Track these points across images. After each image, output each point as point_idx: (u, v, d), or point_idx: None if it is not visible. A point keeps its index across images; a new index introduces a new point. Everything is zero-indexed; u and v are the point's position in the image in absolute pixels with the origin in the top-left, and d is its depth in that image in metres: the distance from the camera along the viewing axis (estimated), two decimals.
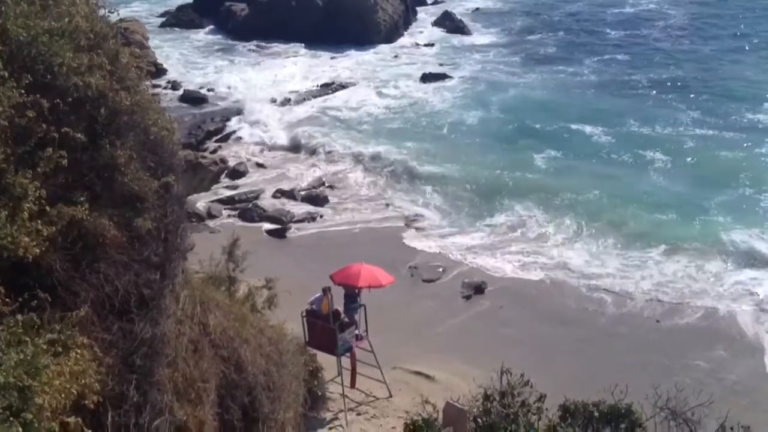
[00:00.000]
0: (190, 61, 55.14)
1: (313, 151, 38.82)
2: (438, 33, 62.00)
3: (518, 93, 47.40)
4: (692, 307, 25.86)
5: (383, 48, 57.23)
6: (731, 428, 12.04)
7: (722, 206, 32.03)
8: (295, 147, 39.46)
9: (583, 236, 30.26)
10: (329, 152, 38.55)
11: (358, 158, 37.70)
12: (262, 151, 39.04)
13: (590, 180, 34.74)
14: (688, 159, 37.38)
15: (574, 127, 41.31)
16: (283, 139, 40.13)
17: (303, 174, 36.42)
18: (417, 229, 31.21)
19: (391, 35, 59.08)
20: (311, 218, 32.15)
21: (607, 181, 34.81)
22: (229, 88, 48.77)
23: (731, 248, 28.93)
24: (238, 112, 43.81)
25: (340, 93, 47.55)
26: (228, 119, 42.92)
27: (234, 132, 41.22)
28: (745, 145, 38.89)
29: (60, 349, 5.67)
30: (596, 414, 12.25)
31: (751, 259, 28.37)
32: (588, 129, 40.93)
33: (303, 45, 57.35)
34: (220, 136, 40.70)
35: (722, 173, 35.41)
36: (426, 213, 32.62)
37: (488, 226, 31.38)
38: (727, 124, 41.65)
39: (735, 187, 34.00)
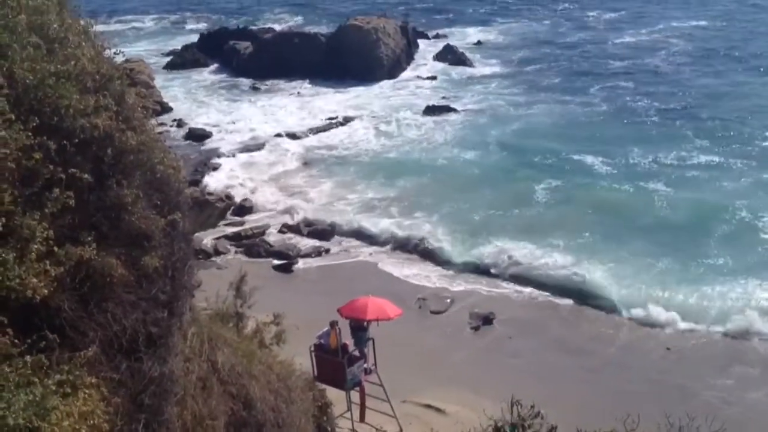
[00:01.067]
0: (195, 99, 55.75)
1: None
2: (440, 66, 62.64)
3: (520, 125, 47.63)
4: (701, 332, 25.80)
5: (386, 83, 57.77)
6: None
7: (722, 241, 31.52)
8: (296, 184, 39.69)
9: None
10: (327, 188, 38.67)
11: (354, 196, 37.59)
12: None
13: (586, 215, 34.36)
14: (690, 189, 37.13)
15: (576, 157, 41.34)
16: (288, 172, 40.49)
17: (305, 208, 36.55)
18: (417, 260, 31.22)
19: (393, 70, 59.64)
20: (317, 253, 32.20)
21: (605, 215, 34.45)
22: (232, 122, 49.26)
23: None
24: (249, 148, 44.31)
25: (343, 129, 47.94)
26: (235, 155, 43.29)
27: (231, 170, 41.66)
28: (747, 171, 38.85)
29: (69, 390, 5.67)
30: None
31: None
32: (589, 159, 40.92)
33: (307, 81, 58.01)
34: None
35: (723, 203, 35.09)
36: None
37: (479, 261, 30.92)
38: (732, 151, 41.62)
39: (731, 217, 33.60)
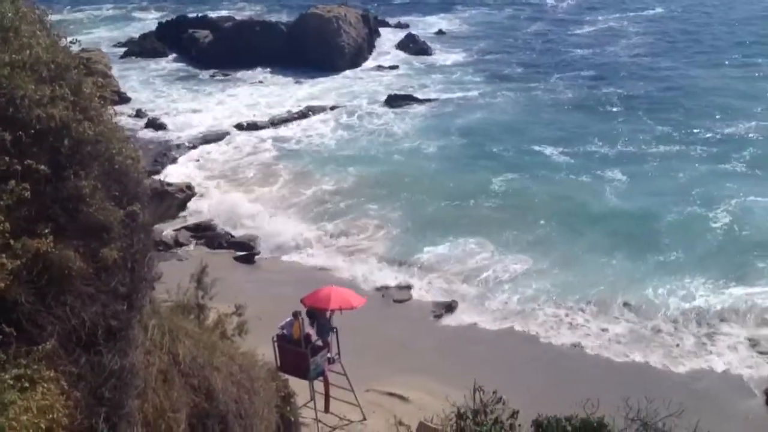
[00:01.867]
0: (154, 89, 55.01)
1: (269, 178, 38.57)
2: (402, 55, 62.64)
3: (482, 114, 47.86)
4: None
5: (348, 73, 57.58)
6: None
7: (673, 233, 31.72)
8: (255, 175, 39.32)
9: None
10: (289, 181, 38.33)
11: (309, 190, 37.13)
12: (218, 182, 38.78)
13: (541, 208, 34.40)
14: (647, 178, 37.60)
15: (536, 148, 41.60)
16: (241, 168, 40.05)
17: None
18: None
19: (355, 59, 59.47)
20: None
21: (562, 202, 34.81)
22: (192, 111, 48.77)
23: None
24: (208, 139, 43.89)
25: (303, 120, 47.63)
26: (195, 147, 42.87)
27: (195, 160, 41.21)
28: (705, 159, 39.50)
29: (27, 384, 5.59)
30: (569, 428, 12.30)
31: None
32: (549, 150, 41.21)
33: (268, 71, 57.58)
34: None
35: (678, 191, 35.58)
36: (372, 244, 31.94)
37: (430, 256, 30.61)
38: (691, 140, 42.28)
39: (684, 206, 33.95)
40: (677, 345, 24.48)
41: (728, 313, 25.83)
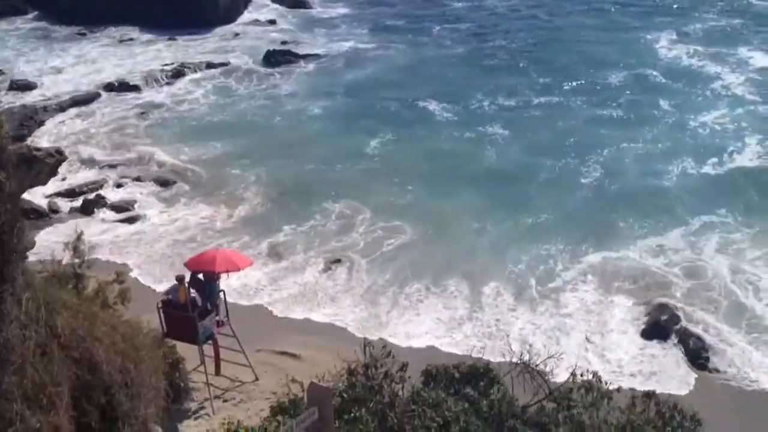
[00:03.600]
0: (15, 48, 51.73)
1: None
2: (280, 9, 61.37)
3: (366, 71, 47.40)
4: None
5: (223, 29, 55.89)
6: (581, 375, 12.89)
7: (545, 190, 31.94)
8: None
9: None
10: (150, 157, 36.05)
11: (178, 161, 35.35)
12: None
13: (421, 167, 34.13)
14: (527, 131, 38.11)
15: (420, 104, 41.57)
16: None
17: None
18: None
19: (230, 13, 57.85)
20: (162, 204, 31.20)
21: (441, 162, 34.60)
22: (59, 72, 46.29)
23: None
24: (77, 101, 41.80)
25: (176, 81, 45.65)
26: (63, 109, 40.75)
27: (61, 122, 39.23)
28: (583, 109, 40.68)
29: None
30: (457, 375, 12.77)
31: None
32: (432, 105, 41.24)
33: (137, 29, 55.04)
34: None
35: (555, 144, 36.32)
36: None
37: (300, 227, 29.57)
38: (571, 90, 43.33)
39: (559, 159, 34.48)
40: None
41: (582, 279, 25.96)
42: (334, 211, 30.37)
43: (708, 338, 22.68)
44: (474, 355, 12.69)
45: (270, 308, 24.37)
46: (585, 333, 23.12)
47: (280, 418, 9.60)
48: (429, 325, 23.38)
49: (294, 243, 28.27)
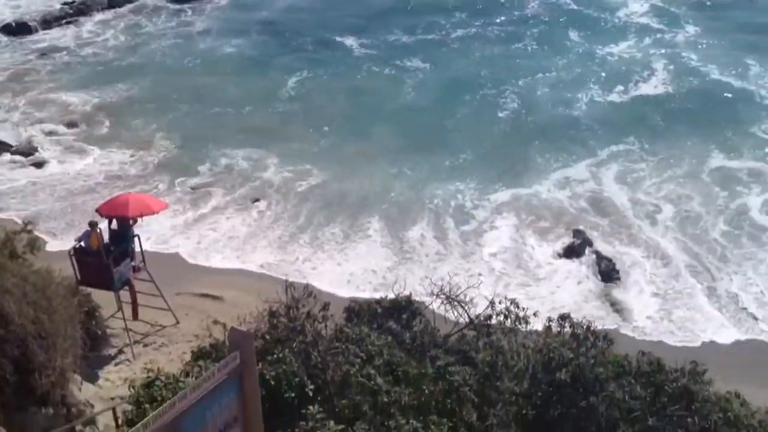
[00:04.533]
0: None
1: None
2: None
3: (282, 2, 45.31)
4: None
5: None
6: (499, 302, 13.26)
7: (464, 124, 31.84)
8: None
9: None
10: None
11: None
12: None
13: (338, 107, 33.30)
14: (446, 64, 37.55)
15: (337, 39, 40.32)
16: None
17: None
18: None
19: None
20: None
21: (359, 100, 33.93)
22: None
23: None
24: None
25: (80, 19, 42.65)
26: None
27: None
28: (500, 40, 40.43)
29: None
30: (379, 310, 12.92)
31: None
32: (350, 41, 40.16)
33: None
34: None
35: (473, 76, 35.88)
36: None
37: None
38: (489, 20, 42.35)
39: (477, 92, 34.29)
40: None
41: (500, 216, 26.32)
42: (247, 155, 29.59)
43: (616, 261, 23.72)
44: (396, 290, 12.80)
45: (187, 253, 23.85)
46: (502, 265, 23.76)
47: (201, 363, 9.54)
48: (348, 273, 23.25)
49: (207, 188, 27.67)
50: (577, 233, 24.85)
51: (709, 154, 29.27)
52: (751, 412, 11.46)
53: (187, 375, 10.21)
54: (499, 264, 23.78)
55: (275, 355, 9.10)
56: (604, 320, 20.58)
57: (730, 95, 33.68)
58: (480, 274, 21.64)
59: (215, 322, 17.71)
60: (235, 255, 23.90)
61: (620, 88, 34.72)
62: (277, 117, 32.66)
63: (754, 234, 25.01)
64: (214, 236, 24.84)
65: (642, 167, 28.66)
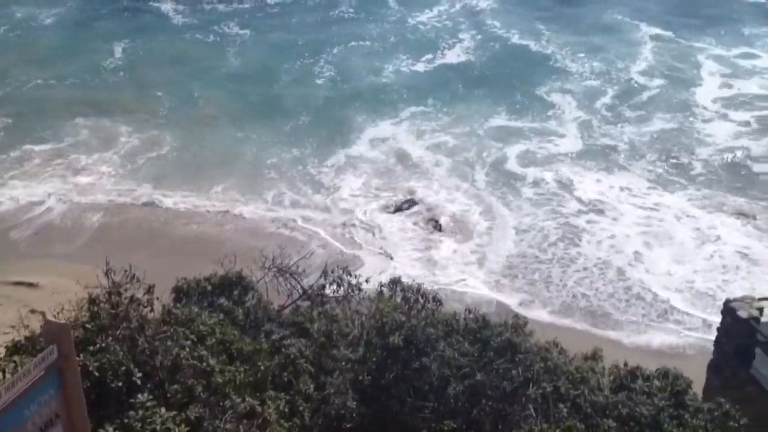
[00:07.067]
0: None
1: None
2: None
3: None
4: None
5: None
6: (332, 271, 13.31)
7: (288, 87, 32.85)
8: None
9: None
10: None
11: None
12: None
13: (164, 76, 32.95)
14: (264, 30, 37.65)
15: (153, 4, 39.34)
16: None
17: None
18: None
19: None
20: None
21: (188, 64, 33.87)
22: None
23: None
24: None
25: None
26: None
27: None
28: (315, 8, 40.37)
29: None
30: (209, 288, 12.54)
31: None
32: (166, 6, 39.25)
33: None
34: None
35: (291, 43, 36.29)
36: None
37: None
38: None
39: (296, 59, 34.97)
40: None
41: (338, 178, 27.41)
42: (84, 128, 28.61)
43: (437, 210, 25.44)
44: (225, 265, 12.53)
45: None
46: (338, 229, 24.08)
47: (17, 358, 8.85)
48: None
49: (38, 166, 26.06)
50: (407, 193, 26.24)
51: (497, 113, 31.69)
52: (568, 359, 12.23)
53: (3, 372, 9.45)
54: (331, 225, 24.46)
55: (98, 345, 8.62)
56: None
57: (527, 60, 36.16)
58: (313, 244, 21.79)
59: (32, 311, 16.60)
60: (59, 237, 22.66)
61: (429, 56, 36.16)
62: (109, 87, 31.93)
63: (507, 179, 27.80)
64: (39, 219, 23.43)
65: (434, 126, 30.72)
